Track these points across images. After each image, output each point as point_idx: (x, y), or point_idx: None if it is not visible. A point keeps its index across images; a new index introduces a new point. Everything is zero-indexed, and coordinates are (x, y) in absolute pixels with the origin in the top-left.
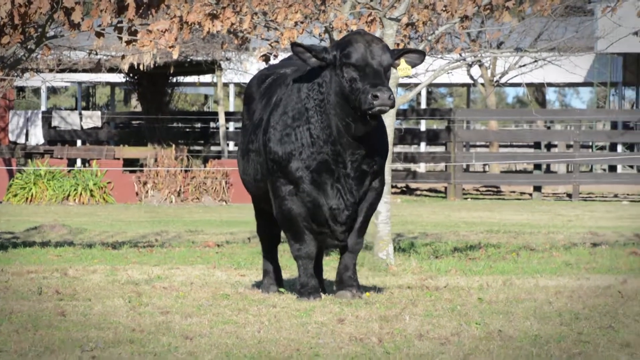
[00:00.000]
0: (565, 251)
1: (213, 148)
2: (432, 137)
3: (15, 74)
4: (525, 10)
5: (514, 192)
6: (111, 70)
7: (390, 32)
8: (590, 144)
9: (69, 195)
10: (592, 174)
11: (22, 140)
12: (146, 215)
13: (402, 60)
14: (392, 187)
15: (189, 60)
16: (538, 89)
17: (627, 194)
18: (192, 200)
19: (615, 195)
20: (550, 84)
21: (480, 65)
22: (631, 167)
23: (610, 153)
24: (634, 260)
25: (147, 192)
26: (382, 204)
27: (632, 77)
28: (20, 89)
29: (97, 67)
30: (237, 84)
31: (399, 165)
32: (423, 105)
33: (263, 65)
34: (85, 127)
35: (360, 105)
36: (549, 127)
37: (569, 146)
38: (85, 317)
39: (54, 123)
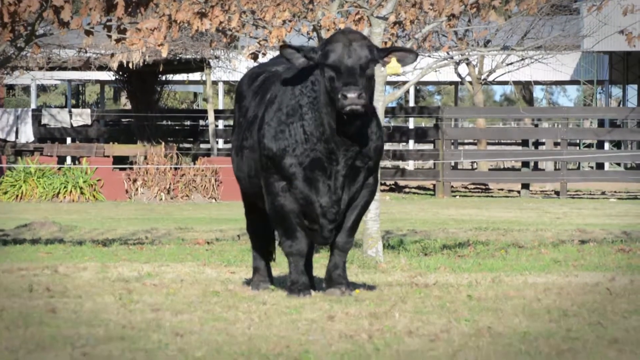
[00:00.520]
0: (553, 248)
1: (202, 146)
2: (421, 135)
3: (5, 72)
4: (512, 9)
5: (502, 189)
6: (101, 68)
7: (378, 31)
8: (578, 141)
9: (59, 192)
10: (579, 172)
11: (12, 138)
12: (136, 212)
13: (393, 59)
14: (381, 184)
15: (178, 58)
16: (525, 87)
17: (615, 192)
18: (181, 198)
19: (603, 193)
20: (537, 82)
21: (467, 64)
22: (618, 164)
23: (598, 151)
24: (622, 258)
25: (137, 189)
26: None
27: (618, 75)
28: (10, 87)
29: (86, 65)
30: (226, 82)
31: (388, 163)
32: (411, 103)
33: (252, 63)
34: (75, 124)
35: (336, 105)
36: (536, 125)
37: (556, 144)
38: (76, 314)
39: (44, 121)
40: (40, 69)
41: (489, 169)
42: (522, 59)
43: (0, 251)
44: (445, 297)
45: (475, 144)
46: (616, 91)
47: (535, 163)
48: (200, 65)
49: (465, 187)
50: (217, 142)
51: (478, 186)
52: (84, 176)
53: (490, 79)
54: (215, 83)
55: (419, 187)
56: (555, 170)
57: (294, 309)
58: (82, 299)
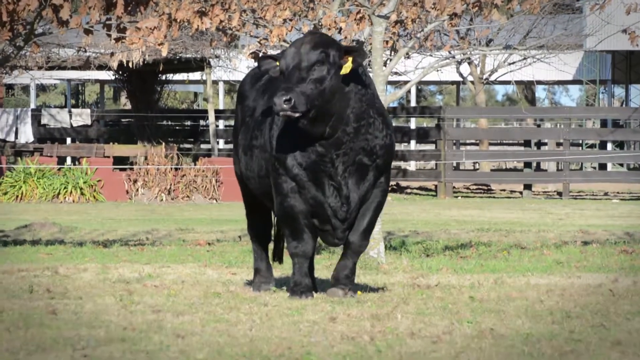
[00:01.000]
0: (556, 249)
1: (203, 146)
2: (422, 135)
3: (4, 72)
4: (514, 8)
5: (504, 190)
6: (100, 67)
7: (379, 30)
8: (580, 142)
9: (59, 193)
10: (582, 172)
11: (11, 138)
12: (137, 213)
13: (350, 59)
14: None
15: (178, 57)
16: (527, 86)
17: (617, 192)
18: (182, 199)
19: (606, 194)
20: (539, 82)
21: (469, 63)
22: (621, 165)
23: (600, 151)
24: (625, 259)
25: (137, 190)
26: None
27: (621, 75)
28: (9, 87)
29: (86, 65)
30: (226, 82)
31: None
32: (413, 103)
33: (252, 62)
34: (74, 125)
35: None
36: (538, 125)
37: (558, 144)
38: (76, 316)
39: (44, 121)
40: (40, 68)
41: (491, 170)
42: (525, 59)
43: (1, 252)
44: (447, 299)
45: (477, 144)
46: (619, 91)
47: (538, 164)
48: (200, 64)
49: (467, 188)
50: (217, 143)
51: (480, 187)
52: (84, 177)
53: (492, 78)
54: (215, 83)
55: (420, 188)
56: (558, 170)
57: (295, 310)
58: (83, 300)
